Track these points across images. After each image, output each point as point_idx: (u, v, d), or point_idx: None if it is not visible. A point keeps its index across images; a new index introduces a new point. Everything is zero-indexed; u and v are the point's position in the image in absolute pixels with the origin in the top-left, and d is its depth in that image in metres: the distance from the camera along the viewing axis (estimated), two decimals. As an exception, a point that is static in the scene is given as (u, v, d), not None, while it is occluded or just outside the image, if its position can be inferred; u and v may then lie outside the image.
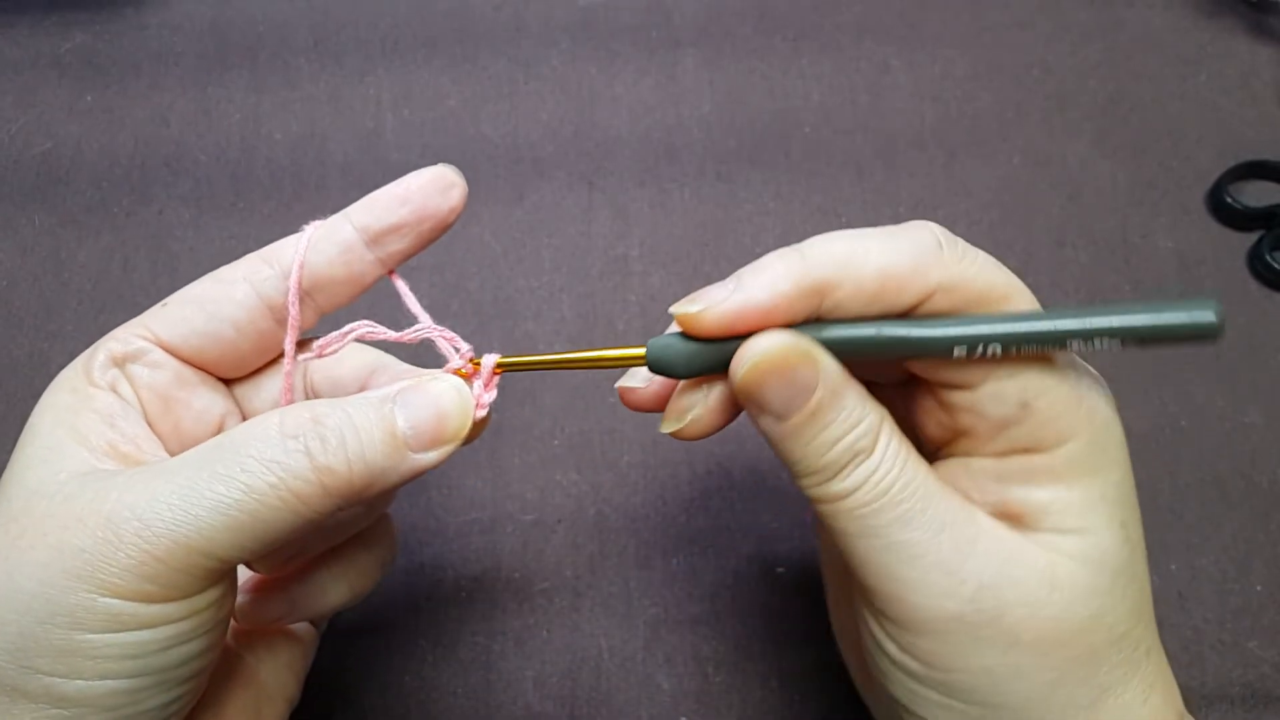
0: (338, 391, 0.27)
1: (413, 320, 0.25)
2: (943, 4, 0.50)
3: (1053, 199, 0.45)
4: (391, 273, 0.25)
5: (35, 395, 0.39)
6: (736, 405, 0.24)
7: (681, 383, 0.25)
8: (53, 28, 0.49)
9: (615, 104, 0.47)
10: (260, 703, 0.27)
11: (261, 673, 0.27)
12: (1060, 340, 0.21)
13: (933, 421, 0.25)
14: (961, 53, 0.48)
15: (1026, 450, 0.23)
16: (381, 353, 0.28)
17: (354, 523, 0.27)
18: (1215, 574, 0.37)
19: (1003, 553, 0.22)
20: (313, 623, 0.30)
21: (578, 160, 0.45)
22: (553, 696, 0.35)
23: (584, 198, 0.45)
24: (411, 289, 0.42)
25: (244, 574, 0.27)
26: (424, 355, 0.27)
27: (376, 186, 0.44)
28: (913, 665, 0.23)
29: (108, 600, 0.20)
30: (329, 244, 0.25)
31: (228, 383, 0.27)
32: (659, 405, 0.26)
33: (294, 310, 0.24)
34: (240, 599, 0.26)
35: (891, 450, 0.23)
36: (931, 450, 0.25)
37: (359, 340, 0.25)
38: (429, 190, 0.24)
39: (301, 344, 0.26)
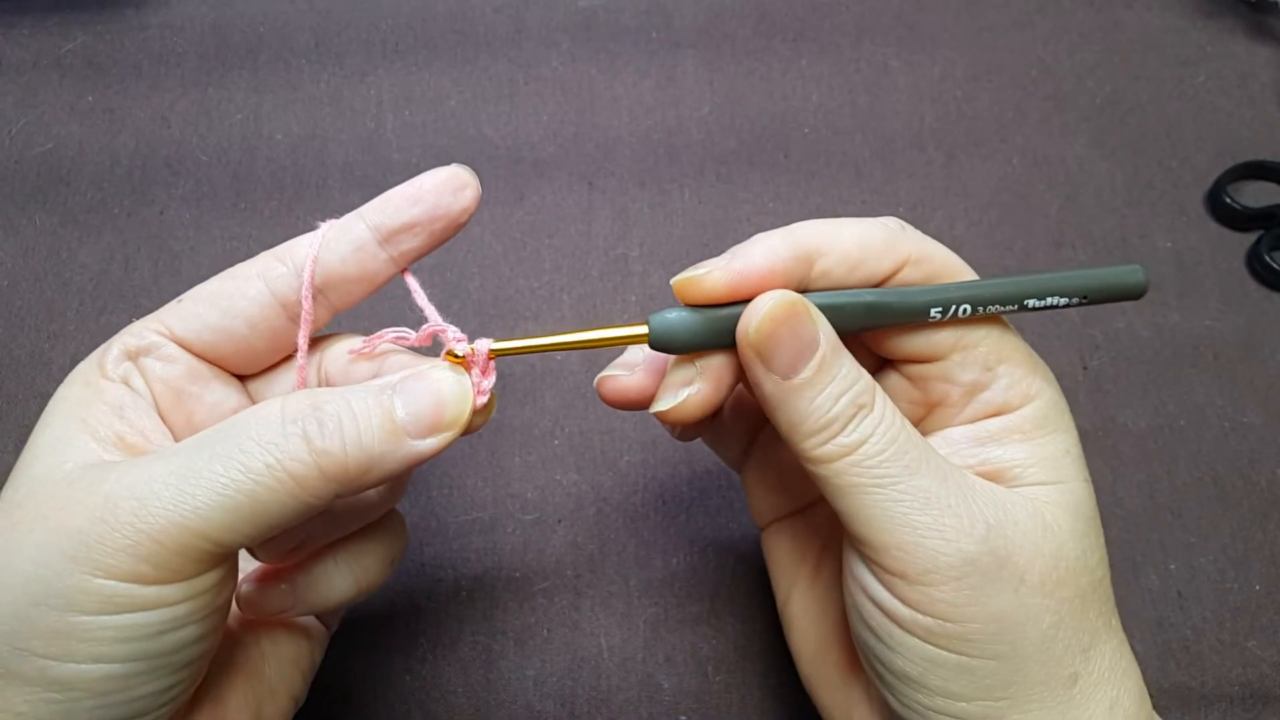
0: (350, 384, 0.27)
1: (421, 317, 0.25)
2: (941, 5, 0.50)
3: (1051, 199, 0.45)
4: (404, 271, 0.26)
5: (37, 395, 0.40)
6: (731, 379, 0.25)
7: (672, 361, 0.25)
8: (54, 28, 0.49)
9: (615, 105, 0.47)
10: (263, 697, 0.26)
11: (266, 667, 0.27)
12: (1019, 299, 0.24)
13: (903, 402, 0.26)
14: (960, 54, 0.48)
15: (997, 412, 0.25)
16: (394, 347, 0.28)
17: (360, 516, 0.27)
18: (1214, 573, 0.37)
19: (997, 499, 0.24)
20: (324, 622, 0.30)
21: (578, 161, 0.46)
22: (553, 695, 0.35)
23: (584, 198, 0.45)
24: (412, 289, 0.42)
25: (250, 565, 0.27)
26: (434, 351, 0.27)
27: (378, 187, 0.45)
28: (928, 624, 0.23)
29: (103, 581, 0.20)
30: (342, 242, 0.25)
31: (242, 378, 0.27)
32: (644, 396, 0.26)
33: (307, 306, 0.25)
34: (244, 588, 0.26)
35: (890, 407, 0.24)
36: None
37: (390, 343, 0.26)
38: (442, 190, 0.25)
39: (315, 342, 0.26)
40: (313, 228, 0.25)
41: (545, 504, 0.38)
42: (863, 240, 0.24)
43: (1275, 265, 0.42)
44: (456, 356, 0.24)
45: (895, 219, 0.26)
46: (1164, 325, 0.42)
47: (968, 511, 0.23)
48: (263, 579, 0.26)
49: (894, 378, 0.27)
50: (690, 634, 0.36)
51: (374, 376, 0.26)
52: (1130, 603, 0.36)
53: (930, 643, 0.23)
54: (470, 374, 0.24)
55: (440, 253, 0.43)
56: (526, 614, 0.36)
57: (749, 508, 0.32)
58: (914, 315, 0.24)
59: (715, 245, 0.44)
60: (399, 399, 0.22)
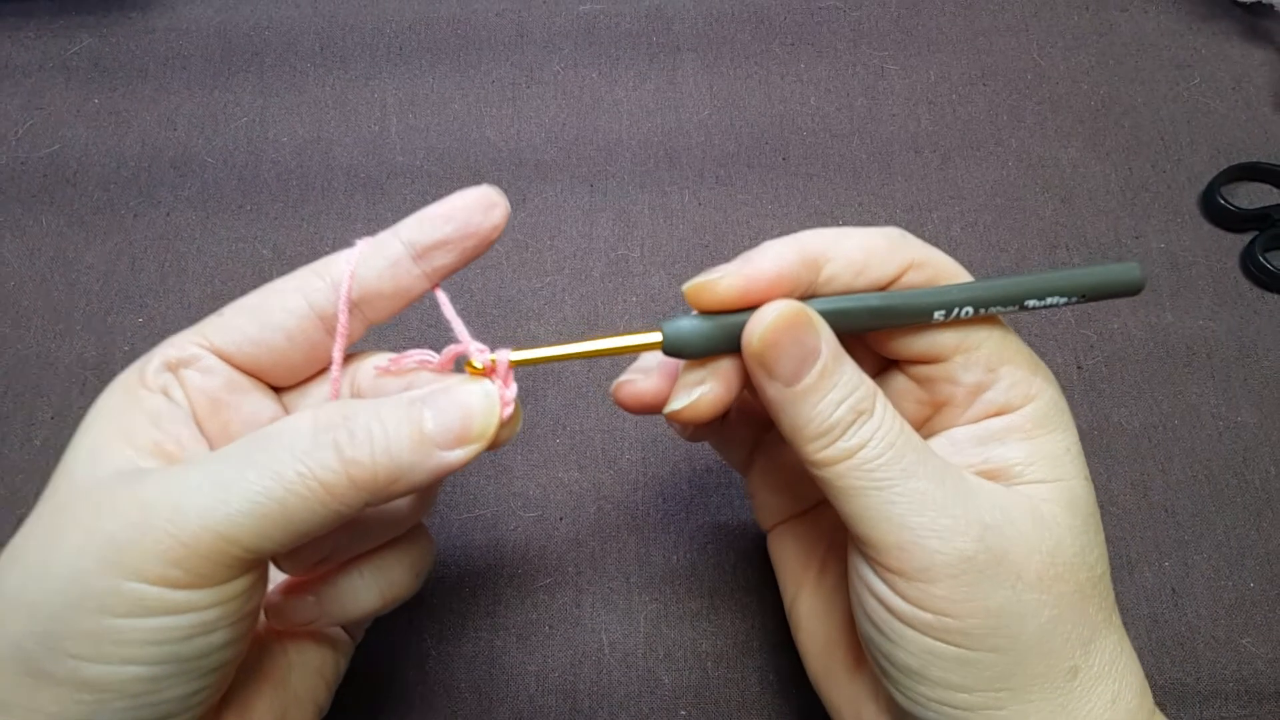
0: (383, 392, 0.27)
1: (449, 332, 0.26)
2: (937, 9, 0.50)
3: (1046, 201, 0.45)
4: (436, 287, 0.26)
5: (43, 394, 0.40)
6: (739, 381, 0.26)
7: (684, 365, 0.26)
8: (60, 31, 0.49)
9: (616, 109, 0.47)
10: (288, 704, 0.27)
11: (292, 676, 0.27)
12: (1019, 300, 0.25)
13: (910, 402, 0.27)
14: (956, 57, 0.49)
15: (999, 412, 0.26)
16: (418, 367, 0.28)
17: (386, 529, 0.27)
18: (1208, 571, 0.37)
19: (995, 498, 0.24)
20: (349, 633, 0.30)
21: (579, 164, 0.46)
22: (555, 690, 0.35)
23: (585, 200, 0.45)
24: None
25: (279, 576, 0.27)
26: (459, 371, 0.28)
27: (382, 190, 0.45)
28: (928, 619, 0.23)
29: (135, 585, 0.20)
30: (378, 258, 0.26)
31: (278, 390, 0.27)
32: (658, 399, 0.27)
33: (343, 318, 0.25)
34: (272, 599, 0.26)
35: (889, 412, 0.24)
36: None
37: (419, 363, 0.26)
38: (473, 208, 0.25)
39: (349, 357, 0.27)
40: (350, 244, 0.26)
41: (547, 501, 0.38)
42: (867, 246, 0.25)
43: (1269, 266, 0.42)
44: (475, 368, 0.24)
45: (897, 228, 0.26)
46: (1158, 325, 0.42)
47: (964, 511, 0.24)
48: (290, 590, 0.26)
49: (899, 379, 0.28)
50: (690, 630, 0.36)
51: (404, 390, 0.26)
52: (1125, 600, 0.37)
53: (930, 636, 0.24)
54: (493, 384, 0.24)
55: (443, 254, 0.44)
56: (529, 610, 0.37)
57: (754, 511, 0.33)
58: (918, 317, 0.25)
59: (715, 246, 0.44)
60: (428, 411, 0.23)
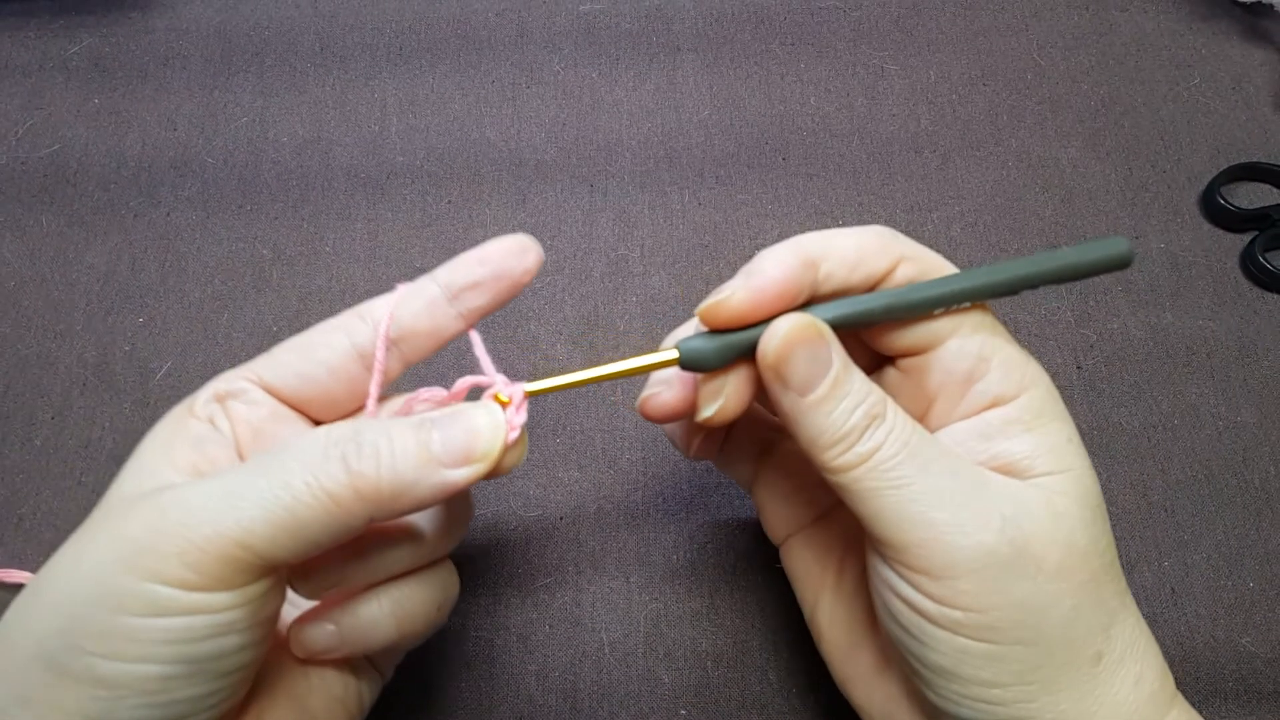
0: None
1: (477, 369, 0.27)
2: (937, 9, 0.50)
3: (1046, 201, 0.45)
4: (470, 328, 0.28)
5: (43, 394, 0.40)
6: (756, 383, 0.26)
7: (701, 378, 0.27)
8: (60, 31, 0.49)
9: (616, 109, 0.47)
10: None
11: (312, 699, 0.27)
12: (1014, 288, 0.25)
13: (903, 398, 0.27)
14: (956, 57, 0.49)
15: (994, 403, 0.26)
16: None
17: (404, 556, 0.27)
18: (1208, 570, 0.37)
19: (1009, 490, 0.25)
20: (377, 667, 0.29)
21: (579, 164, 0.46)
22: (555, 690, 0.35)
23: (585, 201, 0.45)
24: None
25: (303, 606, 0.27)
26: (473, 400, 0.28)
27: (382, 190, 0.46)
28: (955, 616, 0.24)
29: (150, 585, 0.21)
30: (416, 299, 0.27)
31: (320, 425, 0.28)
32: (684, 407, 0.28)
33: (380, 354, 0.27)
34: (292, 628, 0.26)
35: (901, 414, 0.25)
36: None
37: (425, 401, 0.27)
38: (506, 254, 0.27)
39: (385, 397, 0.28)
40: (391, 289, 0.28)
41: (547, 501, 0.39)
42: (859, 243, 0.26)
43: (1269, 266, 0.42)
44: (503, 400, 0.25)
45: (885, 227, 0.27)
46: (1158, 325, 0.42)
47: (982, 505, 0.24)
48: (307, 617, 0.27)
49: (891, 374, 0.28)
50: (690, 629, 0.36)
51: None
52: (1125, 599, 0.37)
53: (960, 634, 0.24)
54: (501, 409, 0.25)
55: (444, 254, 0.43)
56: (529, 610, 0.37)
57: (765, 526, 0.33)
58: (921, 311, 0.26)
59: (715, 246, 0.44)
60: (436, 431, 0.23)
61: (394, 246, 0.44)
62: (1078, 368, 0.41)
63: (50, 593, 0.22)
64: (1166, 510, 0.38)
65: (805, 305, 0.26)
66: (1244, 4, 0.49)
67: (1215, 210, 0.44)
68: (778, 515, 0.32)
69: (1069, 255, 0.25)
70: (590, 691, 0.35)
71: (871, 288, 0.26)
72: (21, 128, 0.47)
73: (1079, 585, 0.24)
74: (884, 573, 0.25)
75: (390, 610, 0.27)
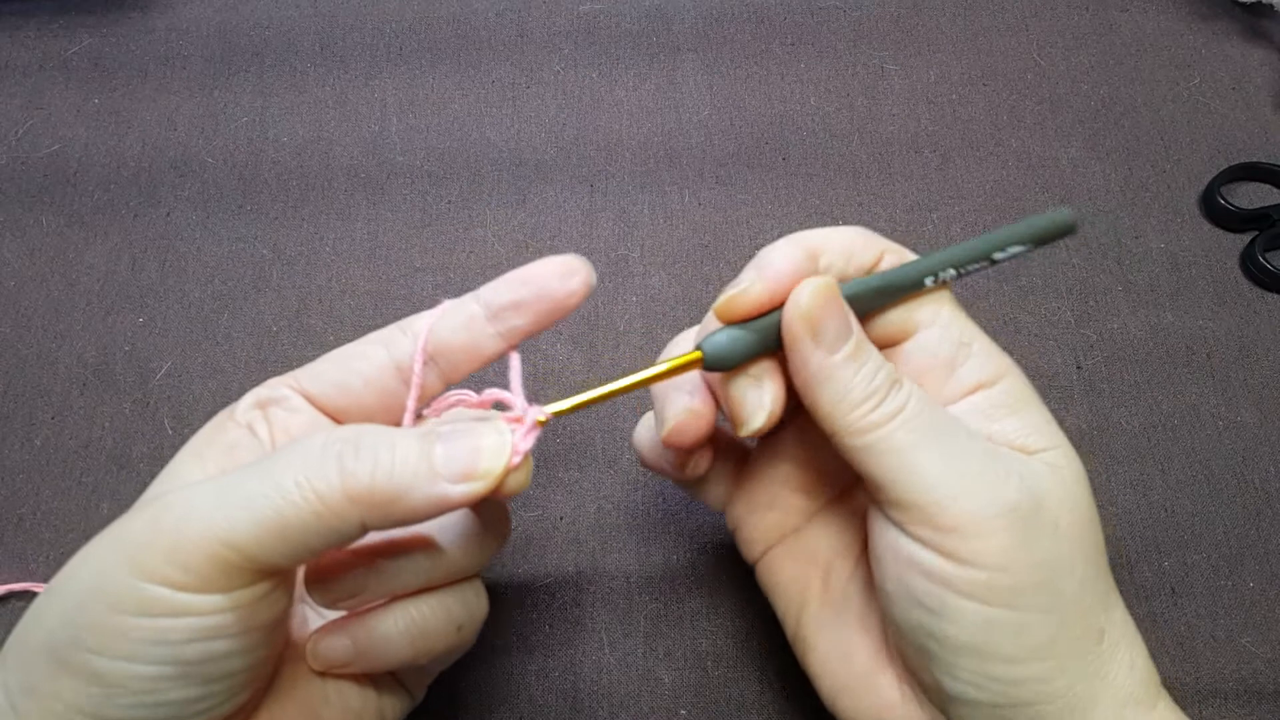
0: None
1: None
2: (937, 9, 0.50)
3: (1046, 201, 0.45)
4: (513, 349, 0.27)
5: (43, 394, 0.40)
6: (785, 376, 0.27)
7: (732, 383, 0.27)
8: (60, 31, 0.49)
9: (616, 108, 0.47)
10: None
11: (326, 713, 0.27)
12: (988, 254, 0.27)
13: None
14: (956, 57, 0.49)
15: (978, 388, 0.27)
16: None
17: (422, 571, 0.26)
18: (1208, 570, 0.37)
19: (1017, 458, 0.26)
20: (406, 686, 0.29)
21: (579, 164, 0.46)
22: (555, 690, 0.35)
23: (585, 200, 0.45)
24: (416, 290, 0.43)
25: (325, 617, 0.27)
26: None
27: (382, 190, 0.45)
28: (980, 578, 0.24)
29: (143, 584, 0.21)
30: (456, 317, 0.27)
31: None
32: (711, 425, 0.28)
33: (417, 367, 0.26)
34: (310, 640, 0.26)
35: (912, 382, 0.26)
36: None
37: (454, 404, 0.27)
38: (551, 275, 0.26)
39: (420, 418, 0.28)
40: (437, 303, 0.27)
41: (547, 501, 0.39)
42: (849, 237, 0.27)
43: (1269, 266, 0.42)
44: (521, 419, 0.25)
45: (863, 228, 0.29)
46: (1158, 325, 0.42)
47: (1001, 465, 0.25)
48: (325, 630, 0.26)
49: None
50: (690, 629, 0.36)
51: None
52: (1124, 599, 0.36)
53: (983, 602, 0.24)
54: (509, 430, 0.24)
55: (444, 254, 0.44)
56: (528, 610, 0.37)
57: (740, 545, 0.32)
58: (913, 287, 0.27)
59: (715, 246, 0.44)
60: (440, 444, 0.23)
61: (394, 246, 0.44)
62: (1078, 368, 0.41)
63: (60, 585, 0.22)
64: (1166, 510, 0.38)
65: None
66: (1244, 4, 0.49)
67: (1215, 210, 0.44)
68: (757, 528, 0.31)
69: (1027, 225, 0.28)
70: (590, 691, 0.35)
71: None
72: (21, 128, 0.47)
73: (1088, 551, 0.25)
74: (903, 548, 0.25)
75: (405, 627, 0.26)
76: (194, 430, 0.27)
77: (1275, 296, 0.43)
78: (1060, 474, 0.26)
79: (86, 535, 0.39)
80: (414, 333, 0.27)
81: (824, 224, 0.44)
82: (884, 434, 0.25)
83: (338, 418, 0.27)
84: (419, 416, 0.28)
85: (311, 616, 0.28)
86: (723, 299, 0.26)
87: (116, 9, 0.50)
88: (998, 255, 0.27)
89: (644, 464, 0.32)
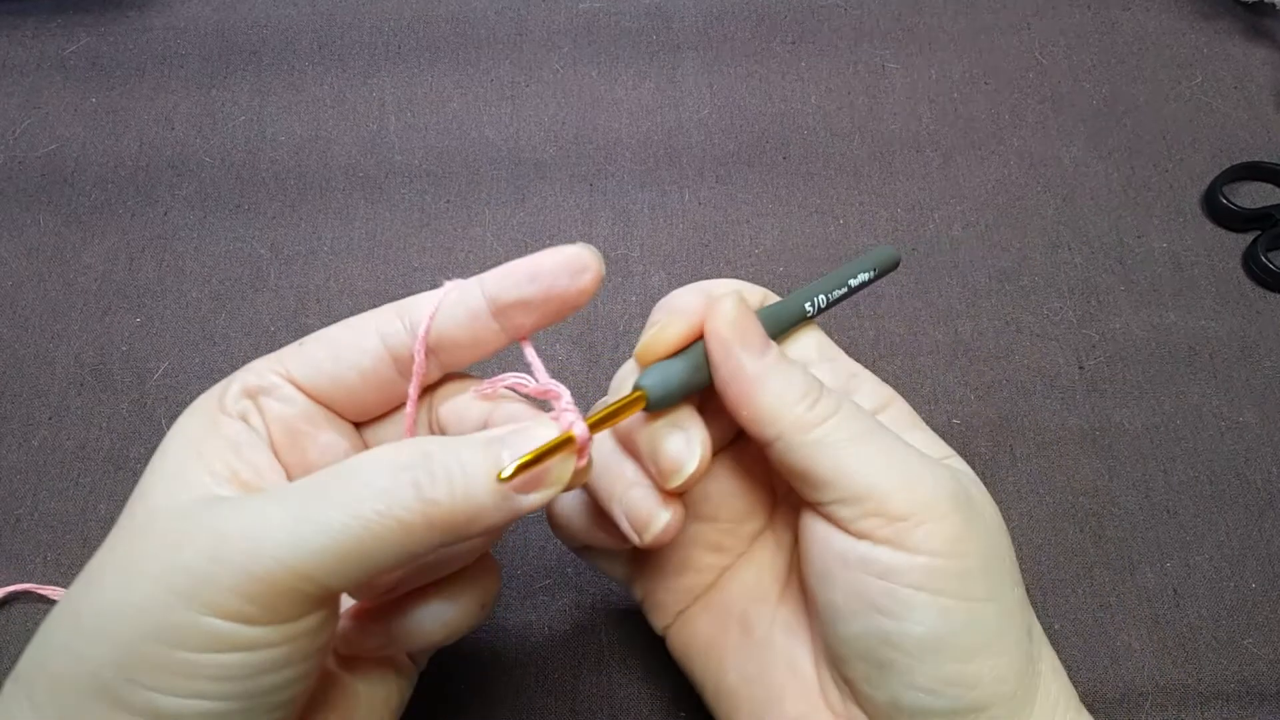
0: (461, 430, 0.27)
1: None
2: (939, 8, 0.50)
3: (1048, 201, 0.45)
4: (524, 340, 0.26)
5: (41, 394, 0.40)
6: (722, 427, 0.27)
7: (660, 440, 0.25)
8: (58, 30, 0.49)
9: (616, 107, 0.47)
10: None
11: (359, 709, 0.27)
12: (846, 280, 0.30)
13: None
14: (957, 56, 0.49)
15: (874, 411, 0.28)
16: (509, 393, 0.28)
17: (453, 560, 0.26)
18: (1210, 571, 0.37)
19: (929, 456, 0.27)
20: (413, 659, 0.29)
21: (579, 163, 0.46)
22: (555, 691, 0.35)
23: (585, 200, 0.45)
24: (415, 289, 0.42)
25: (346, 601, 0.27)
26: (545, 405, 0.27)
27: (380, 189, 0.45)
28: (933, 564, 0.24)
29: (209, 620, 0.20)
30: (459, 307, 0.25)
31: (357, 425, 0.27)
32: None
33: (419, 360, 0.25)
34: (341, 624, 0.26)
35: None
36: None
37: (508, 388, 0.26)
38: (560, 270, 0.24)
39: (426, 390, 0.27)
40: (438, 284, 0.26)
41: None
42: (738, 283, 0.29)
43: (1271, 266, 0.42)
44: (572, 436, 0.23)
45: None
46: (1160, 325, 0.42)
47: (930, 459, 0.26)
48: (358, 616, 0.26)
49: None
50: (690, 631, 0.36)
51: (483, 424, 0.26)
52: (1126, 600, 0.37)
53: (937, 592, 0.24)
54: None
55: (443, 254, 0.44)
56: (529, 611, 0.36)
57: (650, 611, 0.31)
58: (799, 315, 0.29)
59: (715, 246, 0.44)
60: (506, 454, 0.22)
61: (392, 245, 0.44)
62: (1080, 368, 0.41)
63: (102, 624, 0.21)
64: (1169, 511, 0.38)
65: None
66: (1246, 3, 0.49)
67: (1217, 210, 0.44)
68: (669, 593, 0.30)
69: (873, 260, 0.31)
70: (590, 693, 0.35)
71: None
72: (19, 127, 0.46)
73: (1008, 546, 0.26)
74: (853, 551, 0.25)
75: (440, 610, 0.26)
76: (191, 430, 0.27)
77: (1277, 296, 0.43)
78: (970, 475, 0.27)
79: (85, 536, 0.39)
80: (413, 321, 0.25)
81: (823, 224, 0.44)
82: (830, 428, 0.25)
83: (331, 407, 0.26)
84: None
85: None
86: (644, 341, 0.26)
87: (114, 8, 0.50)
88: (853, 282, 0.30)
89: (570, 538, 0.30)
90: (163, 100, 0.47)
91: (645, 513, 0.25)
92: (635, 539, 0.26)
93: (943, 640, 0.24)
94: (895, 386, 0.29)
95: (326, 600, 0.22)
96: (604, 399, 0.27)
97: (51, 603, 0.36)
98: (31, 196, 0.45)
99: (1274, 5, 0.48)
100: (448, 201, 0.45)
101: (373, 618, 0.26)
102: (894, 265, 0.31)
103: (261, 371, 0.26)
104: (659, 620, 0.31)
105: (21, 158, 0.46)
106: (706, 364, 0.26)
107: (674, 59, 0.49)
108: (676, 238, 0.44)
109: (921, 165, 0.46)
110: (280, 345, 0.37)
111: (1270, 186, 0.45)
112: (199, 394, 0.25)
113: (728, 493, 0.29)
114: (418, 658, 0.30)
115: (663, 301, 0.27)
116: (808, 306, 0.28)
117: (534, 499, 0.22)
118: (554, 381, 0.25)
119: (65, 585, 0.35)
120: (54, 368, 0.41)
